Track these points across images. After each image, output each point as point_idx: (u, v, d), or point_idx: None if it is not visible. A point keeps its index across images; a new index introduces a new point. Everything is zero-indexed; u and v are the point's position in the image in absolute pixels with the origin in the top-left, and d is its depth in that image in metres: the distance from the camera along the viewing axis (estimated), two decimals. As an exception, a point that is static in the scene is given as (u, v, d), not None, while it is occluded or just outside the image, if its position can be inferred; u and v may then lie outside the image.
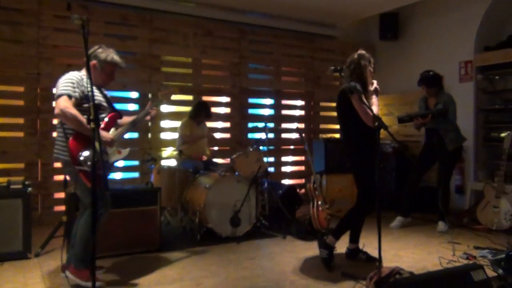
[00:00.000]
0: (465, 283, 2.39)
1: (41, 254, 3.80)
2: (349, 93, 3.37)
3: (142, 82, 5.65)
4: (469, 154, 5.95)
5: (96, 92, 3.10)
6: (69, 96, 2.92)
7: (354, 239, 3.74)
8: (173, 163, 4.97)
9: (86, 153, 2.91)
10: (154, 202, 3.99)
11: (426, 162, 5.00)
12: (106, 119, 3.14)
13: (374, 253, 3.64)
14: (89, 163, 2.87)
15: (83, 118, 2.87)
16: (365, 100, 3.28)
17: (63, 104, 2.88)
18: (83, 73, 3.08)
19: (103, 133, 3.00)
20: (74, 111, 2.89)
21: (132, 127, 3.30)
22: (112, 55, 3.13)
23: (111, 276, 3.29)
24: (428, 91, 4.87)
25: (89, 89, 2.89)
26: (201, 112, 5.27)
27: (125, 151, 3.22)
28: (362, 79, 3.45)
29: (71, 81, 2.96)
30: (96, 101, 2.98)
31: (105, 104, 3.19)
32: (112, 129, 3.19)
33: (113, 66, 3.16)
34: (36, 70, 5.01)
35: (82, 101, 2.97)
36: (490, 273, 3.03)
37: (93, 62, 3.08)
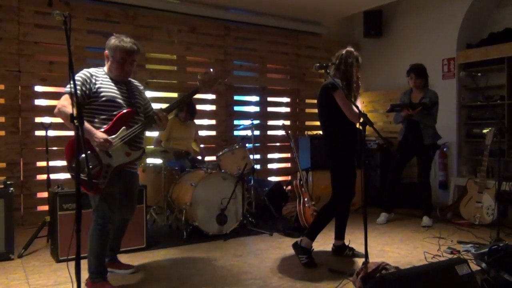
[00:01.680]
0: (450, 277, 2.43)
1: (24, 255, 3.73)
2: (332, 90, 3.36)
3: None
4: (452, 150, 6.04)
5: (111, 86, 2.91)
6: (71, 95, 2.78)
7: (339, 236, 3.77)
8: (158, 161, 4.92)
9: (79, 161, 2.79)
10: (140, 201, 3.93)
11: (403, 157, 5.03)
12: (114, 118, 2.86)
13: (360, 248, 3.69)
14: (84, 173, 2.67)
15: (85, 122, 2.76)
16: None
17: (61, 103, 2.78)
18: (100, 69, 2.97)
19: (96, 134, 2.74)
20: (69, 110, 2.72)
21: (145, 127, 2.98)
22: (120, 41, 2.87)
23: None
24: (416, 81, 4.90)
25: (97, 85, 2.85)
26: (182, 107, 5.22)
27: (136, 153, 2.93)
28: (347, 76, 3.45)
29: (79, 79, 2.83)
30: (106, 97, 2.86)
31: (120, 100, 2.91)
32: (122, 129, 2.85)
33: (123, 53, 2.87)
34: (16, 67, 4.90)
35: (90, 99, 2.85)
36: (474, 267, 3.08)
37: (106, 52, 2.94)
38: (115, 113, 2.87)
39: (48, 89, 5.14)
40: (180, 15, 5.94)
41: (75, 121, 2.15)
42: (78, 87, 2.80)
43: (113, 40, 2.91)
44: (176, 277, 3.26)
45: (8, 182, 3.71)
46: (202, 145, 5.67)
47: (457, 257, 3.49)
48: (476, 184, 4.88)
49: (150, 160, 5.16)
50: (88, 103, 2.85)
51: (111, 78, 2.95)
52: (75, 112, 2.18)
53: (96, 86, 2.87)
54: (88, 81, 2.85)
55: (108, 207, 2.88)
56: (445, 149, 5.98)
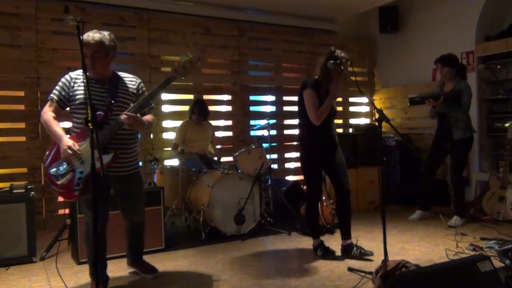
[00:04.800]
0: (472, 275, 2.36)
1: (46, 258, 3.80)
2: (301, 88, 3.54)
3: (143, 82, 5.62)
4: (474, 145, 5.88)
5: (92, 88, 2.76)
6: (52, 100, 2.84)
7: (345, 235, 3.71)
8: (175, 162, 4.95)
9: (53, 169, 2.77)
10: (158, 202, 3.98)
11: (437, 153, 4.87)
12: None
13: (379, 246, 3.62)
14: (59, 181, 2.73)
15: (56, 129, 2.74)
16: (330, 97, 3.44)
17: (43, 110, 2.82)
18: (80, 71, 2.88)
19: (62, 141, 2.69)
20: (46, 117, 2.79)
21: (112, 129, 2.79)
22: (85, 36, 2.72)
23: (116, 277, 3.28)
24: (442, 71, 4.69)
25: (75, 88, 2.80)
26: (194, 109, 5.24)
27: (105, 158, 2.73)
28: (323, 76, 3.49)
29: (59, 84, 2.86)
30: (79, 100, 2.80)
31: (93, 101, 2.60)
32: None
33: (84, 48, 2.65)
34: (35, 74, 5.01)
35: (69, 103, 2.85)
36: (497, 264, 3.01)
37: None
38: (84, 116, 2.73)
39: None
40: (194, 17, 5.98)
41: (89, 124, 2.16)
42: (57, 93, 2.84)
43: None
44: (195, 277, 3.27)
45: (30, 187, 3.79)
46: (218, 146, 5.68)
47: (479, 254, 3.41)
48: (499, 179, 4.77)
49: (167, 162, 5.19)
50: (70, 107, 2.86)
51: (92, 78, 2.86)
52: (89, 116, 2.19)
53: (74, 89, 2.84)
54: (67, 85, 2.85)
55: (89, 213, 2.86)
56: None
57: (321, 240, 3.75)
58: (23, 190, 3.73)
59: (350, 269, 3.28)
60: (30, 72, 4.99)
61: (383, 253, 2.80)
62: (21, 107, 4.98)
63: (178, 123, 5.47)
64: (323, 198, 4.46)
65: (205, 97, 5.80)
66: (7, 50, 4.89)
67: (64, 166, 2.76)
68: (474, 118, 5.80)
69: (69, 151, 2.67)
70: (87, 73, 2.53)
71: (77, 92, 2.83)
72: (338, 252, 3.69)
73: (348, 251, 3.64)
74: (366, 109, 7.45)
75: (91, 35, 2.77)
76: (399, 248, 3.88)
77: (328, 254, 3.65)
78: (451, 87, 4.68)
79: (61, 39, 5.11)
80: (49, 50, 5.11)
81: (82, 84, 2.83)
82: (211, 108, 5.57)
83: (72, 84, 2.85)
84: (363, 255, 3.58)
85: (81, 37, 2.23)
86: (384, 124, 2.89)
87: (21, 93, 4.99)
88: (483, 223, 4.67)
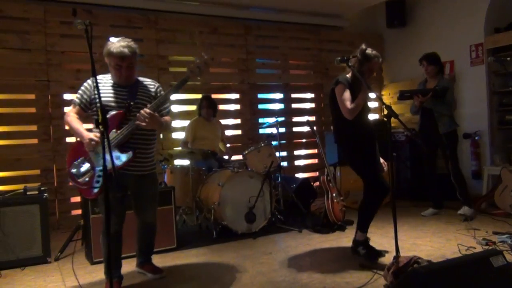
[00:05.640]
0: (484, 269, 2.35)
1: (60, 258, 3.86)
2: (334, 84, 3.44)
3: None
4: (485, 138, 5.85)
5: (108, 91, 2.89)
6: (74, 104, 2.95)
7: (363, 228, 3.58)
8: (186, 162, 4.98)
9: (74, 169, 2.86)
10: (169, 202, 4.01)
11: (431, 148, 4.93)
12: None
13: (391, 242, 3.61)
14: (80, 179, 2.81)
15: (78, 127, 2.84)
16: (363, 92, 3.30)
17: (67, 112, 2.94)
18: (107, 75, 2.97)
19: (83, 135, 2.79)
20: (69, 118, 2.90)
21: (131, 128, 2.86)
22: (112, 47, 2.82)
23: (129, 276, 3.32)
24: (427, 69, 4.85)
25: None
26: (202, 104, 5.28)
27: (123, 156, 2.83)
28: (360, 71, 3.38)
29: (82, 88, 2.96)
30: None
31: (112, 104, 2.87)
32: (112, 132, 2.82)
33: (116, 59, 2.82)
34: (45, 77, 5.07)
35: (91, 106, 2.93)
36: (510, 258, 2.99)
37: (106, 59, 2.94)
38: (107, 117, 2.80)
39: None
40: (201, 16, 5.99)
41: (100, 126, 2.20)
42: (79, 98, 2.94)
43: (107, 47, 2.85)
44: (207, 276, 3.30)
45: (43, 188, 3.85)
46: (228, 145, 5.70)
47: (492, 248, 3.39)
48: (511, 173, 4.73)
49: (177, 162, 5.22)
50: (92, 110, 2.94)
51: (115, 83, 2.95)
52: (100, 118, 2.23)
53: (95, 93, 2.86)
54: (89, 89, 2.93)
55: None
56: (476, 138, 5.81)
57: (367, 237, 3.55)
58: (36, 192, 3.79)
59: (362, 266, 3.28)
60: (40, 75, 5.05)
61: (394, 249, 2.80)
62: (33, 109, 5.05)
63: (186, 123, 5.50)
64: (334, 194, 4.46)
65: (214, 96, 5.81)
66: (17, 54, 4.95)
67: (85, 164, 2.85)
68: (484, 111, 5.78)
69: (92, 143, 2.75)
70: (110, 78, 2.74)
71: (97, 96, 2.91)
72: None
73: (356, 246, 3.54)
74: (375, 104, 7.41)
75: (122, 45, 2.82)
76: (410, 243, 3.87)
77: (370, 256, 3.43)
78: (434, 84, 4.81)
79: (70, 42, 5.16)
80: (58, 53, 5.16)
81: (104, 88, 2.91)
82: (220, 107, 5.58)
83: (93, 88, 2.91)
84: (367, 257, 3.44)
85: (90, 41, 2.24)
86: (393, 119, 2.88)
87: (32, 96, 5.05)
88: (495, 217, 4.64)
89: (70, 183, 3.10)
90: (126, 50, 2.82)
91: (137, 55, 2.92)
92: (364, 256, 3.45)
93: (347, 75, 3.45)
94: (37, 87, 5.04)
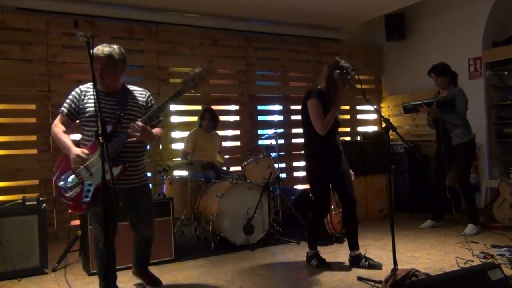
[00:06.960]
0: (482, 283, 2.36)
1: (58, 269, 3.84)
2: (305, 98, 3.54)
3: (152, 94, 5.67)
4: (483, 151, 5.87)
5: (101, 101, 2.74)
6: (62, 113, 2.88)
7: (353, 246, 3.67)
8: (184, 173, 4.99)
9: (61, 182, 2.79)
10: (167, 213, 4.01)
11: (441, 161, 4.85)
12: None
13: (389, 255, 3.61)
14: (68, 194, 2.74)
15: (65, 140, 2.76)
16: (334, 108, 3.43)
17: (54, 123, 2.87)
18: (91, 84, 2.89)
19: (71, 150, 2.72)
20: (55, 129, 2.82)
21: (121, 141, 2.79)
22: (95, 49, 2.73)
23: (127, 288, 3.31)
24: (437, 80, 4.76)
25: (85, 101, 2.83)
26: (204, 115, 5.31)
27: (115, 170, 2.70)
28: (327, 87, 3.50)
29: (70, 97, 2.90)
30: (89, 113, 2.81)
31: (102, 114, 2.67)
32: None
33: (94, 62, 2.61)
34: (46, 87, 5.10)
35: (80, 116, 2.87)
36: (508, 271, 2.99)
37: None
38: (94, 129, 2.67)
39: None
40: (201, 29, 6.05)
41: (100, 138, 2.19)
42: (67, 107, 2.87)
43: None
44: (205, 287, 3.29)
45: (41, 199, 3.85)
46: (226, 156, 5.71)
47: (490, 261, 3.38)
48: (509, 186, 4.74)
49: (176, 173, 5.23)
50: (80, 120, 2.89)
51: (101, 91, 2.87)
52: (100, 129, 2.22)
53: (84, 102, 2.87)
54: (77, 98, 2.88)
55: (98, 226, 2.89)
56: (476, 151, 5.83)
57: (317, 251, 3.73)
58: (35, 202, 3.79)
59: (360, 278, 3.27)
60: (41, 86, 5.08)
61: (392, 262, 2.80)
62: (33, 120, 5.07)
63: (186, 134, 5.52)
64: (332, 206, 4.46)
65: (213, 107, 5.84)
66: (19, 64, 4.99)
67: (73, 178, 2.77)
68: (483, 124, 5.80)
69: (78, 159, 2.68)
70: (97, 87, 2.54)
71: (87, 105, 2.87)
72: (346, 263, 3.68)
73: (357, 262, 3.60)
74: (374, 116, 7.45)
75: (101, 49, 2.79)
76: (409, 256, 3.86)
77: (323, 265, 3.63)
78: (446, 94, 4.76)
79: (71, 53, 5.20)
80: (60, 64, 5.20)
81: (92, 97, 2.85)
82: (220, 118, 5.61)
83: (82, 97, 2.88)
84: (371, 266, 3.53)
85: (91, 52, 2.26)
86: (391, 131, 2.90)
87: (33, 107, 5.07)
88: (493, 230, 4.63)
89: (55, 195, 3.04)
90: (99, 52, 2.77)
91: (116, 59, 2.83)
92: (316, 266, 3.63)
93: (319, 86, 3.50)
94: (38, 97, 5.07)
